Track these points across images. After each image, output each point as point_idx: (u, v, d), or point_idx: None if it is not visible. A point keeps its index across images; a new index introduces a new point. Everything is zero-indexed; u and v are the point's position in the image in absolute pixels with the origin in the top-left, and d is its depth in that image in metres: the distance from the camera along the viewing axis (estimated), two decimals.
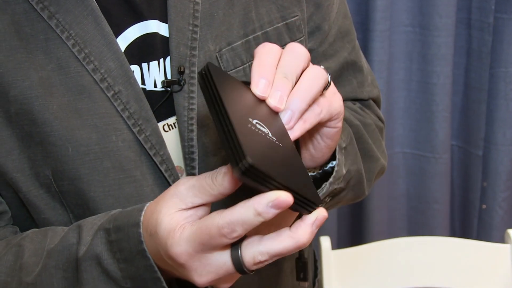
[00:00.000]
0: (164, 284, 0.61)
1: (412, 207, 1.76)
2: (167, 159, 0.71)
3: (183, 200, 0.57)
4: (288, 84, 0.58)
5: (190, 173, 0.73)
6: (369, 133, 0.84)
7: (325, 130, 0.65)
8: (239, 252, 0.56)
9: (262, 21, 0.75)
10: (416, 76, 1.64)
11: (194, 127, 0.71)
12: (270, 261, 0.56)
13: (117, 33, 0.70)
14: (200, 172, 0.73)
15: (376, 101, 0.91)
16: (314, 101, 0.59)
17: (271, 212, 0.52)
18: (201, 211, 0.57)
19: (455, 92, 1.67)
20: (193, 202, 0.57)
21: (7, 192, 0.72)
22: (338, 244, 1.75)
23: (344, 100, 0.80)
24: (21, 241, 0.68)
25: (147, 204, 0.61)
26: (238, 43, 0.74)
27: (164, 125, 0.72)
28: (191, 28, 0.72)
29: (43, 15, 0.67)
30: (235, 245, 0.57)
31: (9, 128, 0.68)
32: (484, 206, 1.70)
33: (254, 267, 0.56)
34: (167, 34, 0.72)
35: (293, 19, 0.77)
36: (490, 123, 1.64)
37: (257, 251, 0.55)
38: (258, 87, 0.57)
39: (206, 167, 0.73)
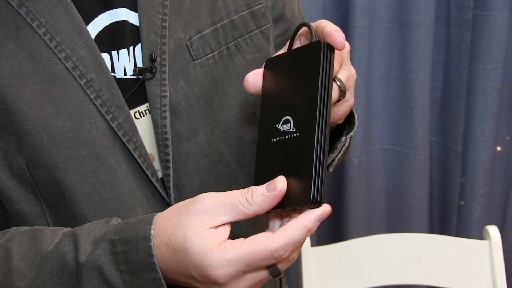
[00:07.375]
0: None
1: (391, 204, 1.76)
2: (140, 145, 0.71)
3: (213, 217, 0.59)
4: None
5: (163, 159, 0.73)
6: None
7: None
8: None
9: (228, 9, 0.77)
10: (395, 73, 1.64)
11: (167, 113, 0.72)
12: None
13: (87, 21, 0.70)
14: (174, 159, 0.74)
15: None
16: None
17: (318, 225, 0.59)
18: (227, 227, 0.60)
19: (434, 89, 1.68)
20: (223, 220, 0.59)
21: None
22: (317, 241, 1.75)
23: None
24: (7, 243, 0.67)
25: (155, 216, 0.63)
26: (207, 31, 0.75)
27: (135, 112, 0.73)
28: (160, 16, 0.73)
29: (12, 4, 0.67)
30: None
31: None
32: (462, 203, 1.71)
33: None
34: (136, 23, 0.72)
35: (258, 6, 0.79)
36: (468, 119, 1.64)
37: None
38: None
39: (179, 153, 0.74)
